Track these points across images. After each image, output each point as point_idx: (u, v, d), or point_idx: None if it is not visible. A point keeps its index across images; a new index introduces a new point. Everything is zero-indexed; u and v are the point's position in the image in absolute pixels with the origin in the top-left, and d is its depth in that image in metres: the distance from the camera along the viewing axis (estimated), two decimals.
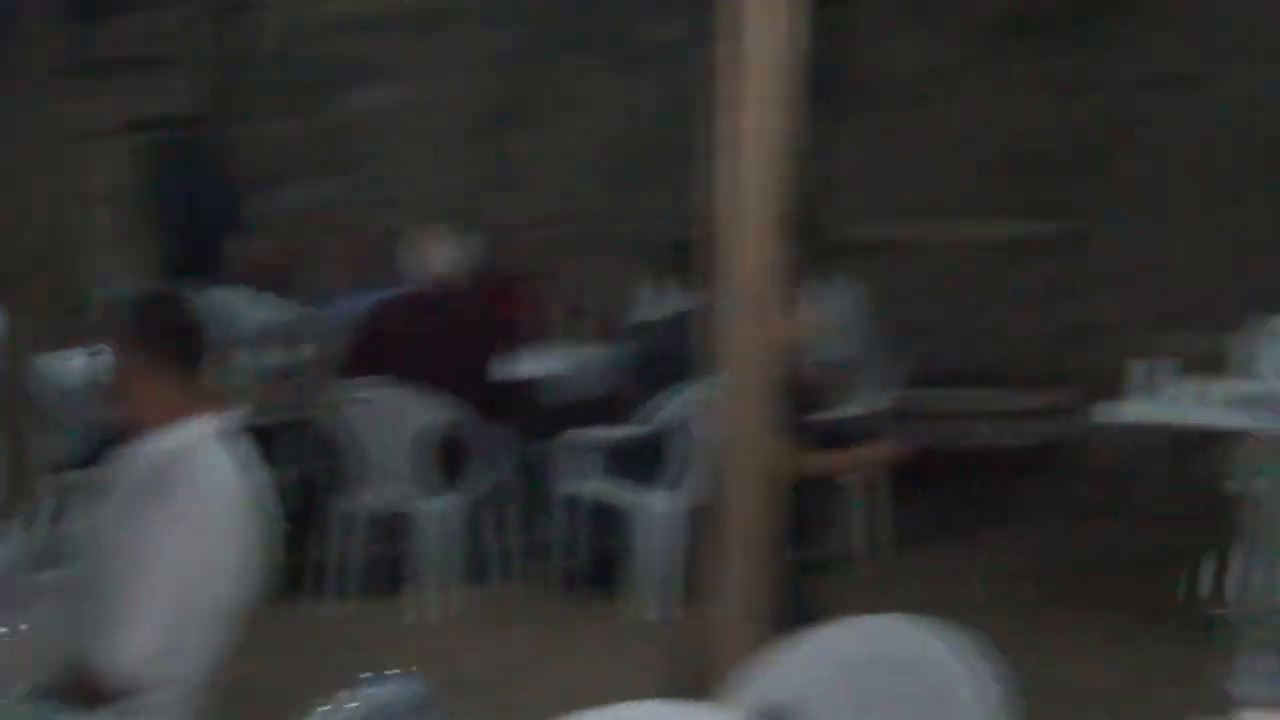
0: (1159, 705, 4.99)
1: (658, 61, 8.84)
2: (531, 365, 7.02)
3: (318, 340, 7.02)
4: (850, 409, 6.84)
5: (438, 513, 6.38)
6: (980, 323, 8.60)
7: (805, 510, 4.62)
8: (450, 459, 6.39)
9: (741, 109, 3.45)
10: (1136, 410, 5.74)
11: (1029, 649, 5.30)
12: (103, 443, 3.65)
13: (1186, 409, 5.62)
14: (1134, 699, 5.13)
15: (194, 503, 3.05)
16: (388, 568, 6.51)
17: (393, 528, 6.54)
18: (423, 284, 6.65)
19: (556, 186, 9.51)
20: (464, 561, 6.49)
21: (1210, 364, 6.59)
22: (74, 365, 6.24)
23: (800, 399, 4.48)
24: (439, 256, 6.61)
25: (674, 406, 6.05)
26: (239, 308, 6.94)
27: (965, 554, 7.09)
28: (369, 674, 2.24)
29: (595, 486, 6.43)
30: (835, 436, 5.43)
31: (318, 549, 6.40)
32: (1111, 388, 6.52)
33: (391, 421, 6.27)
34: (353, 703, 2.18)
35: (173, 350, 3.20)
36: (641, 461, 6.22)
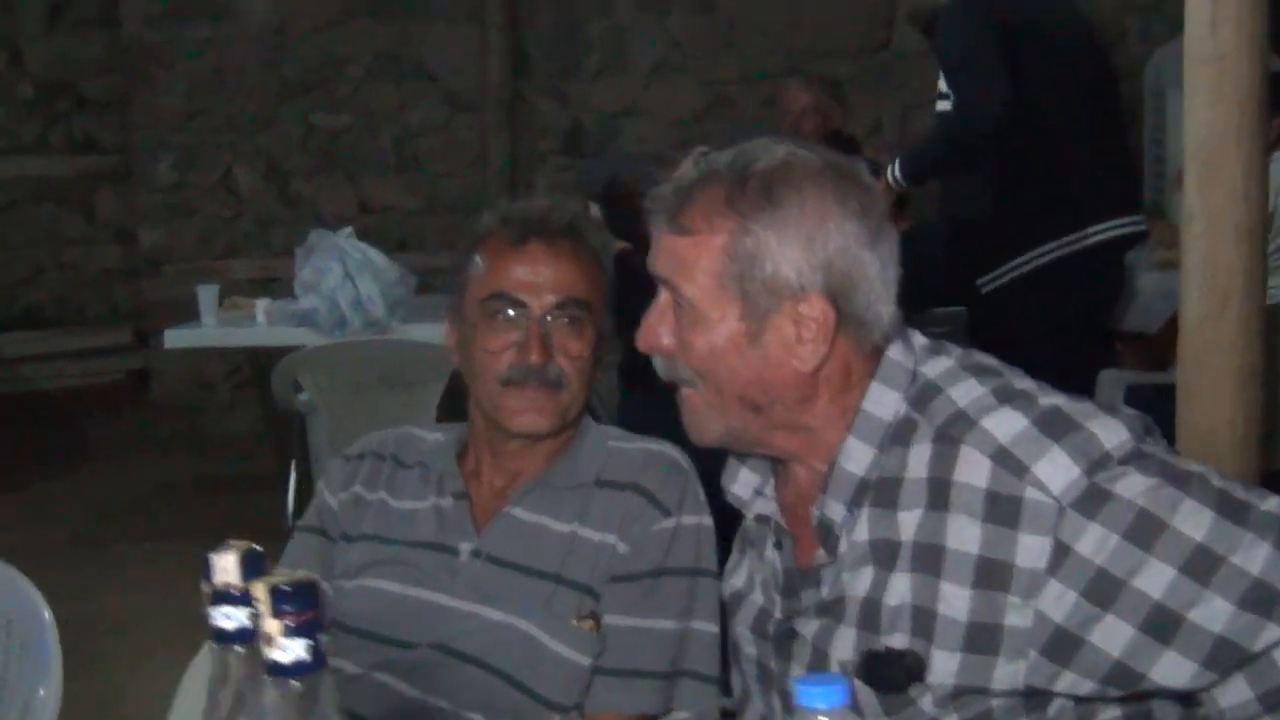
0: None
1: None
2: None
3: None
4: None
5: None
6: (36, 262, 8.40)
7: None
8: None
9: None
10: (198, 337, 5.89)
11: (104, 585, 5.41)
12: None
13: (245, 331, 5.84)
14: None
15: None
16: None
17: None
18: None
19: None
20: None
21: (261, 287, 6.90)
22: None
23: None
24: None
25: None
26: None
27: (37, 498, 6.94)
28: None
29: None
30: None
31: None
32: (173, 318, 6.65)
33: None
34: None
35: None
36: None
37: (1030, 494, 1.56)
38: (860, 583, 1.67)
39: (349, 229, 5.74)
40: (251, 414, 7.93)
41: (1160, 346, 4.64)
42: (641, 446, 2.25)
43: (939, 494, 1.61)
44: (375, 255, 5.54)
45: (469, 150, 7.94)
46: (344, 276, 5.46)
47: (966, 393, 1.66)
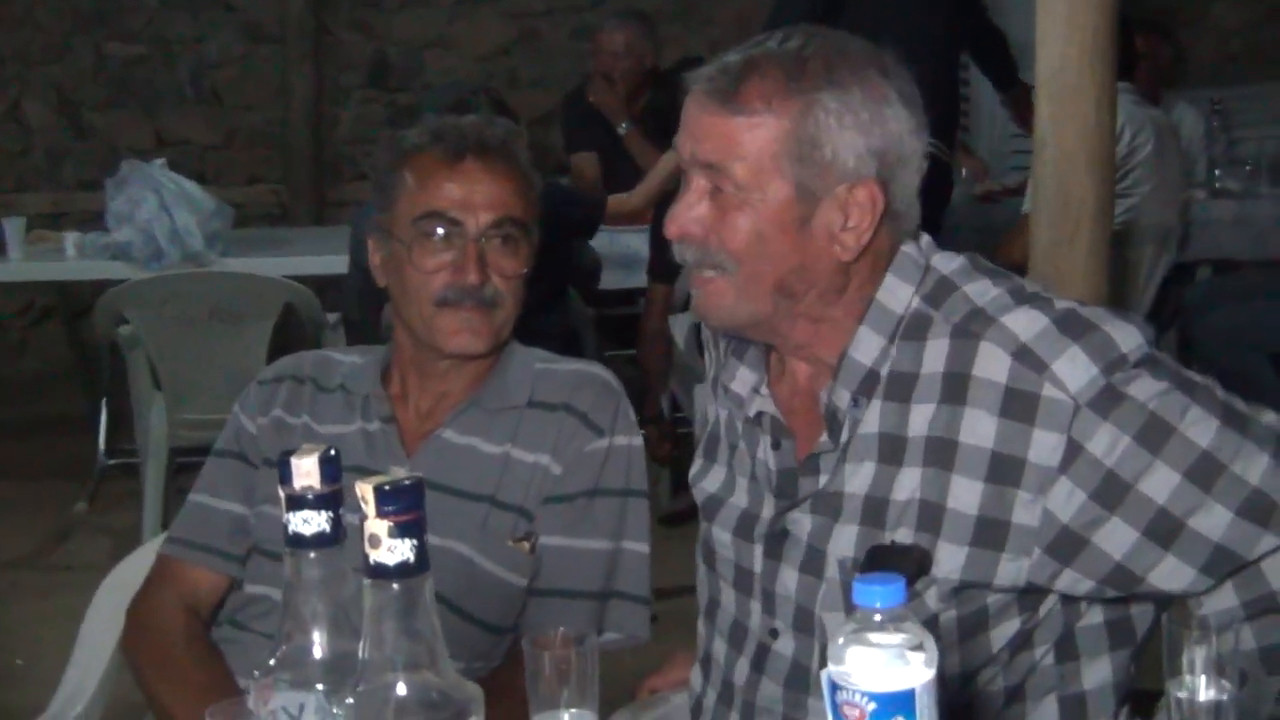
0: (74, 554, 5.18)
1: None
2: None
3: None
4: None
5: None
6: None
7: None
8: None
9: None
10: (5, 271, 5.70)
11: None
12: None
13: (55, 265, 5.66)
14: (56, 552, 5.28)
15: None
16: None
17: None
18: None
19: None
20: None
21: (52, 222, 6.67)
22: None
23: None
24: None
25: None
26: None
27: None
28: None
29: None
30: None
31: None
32: None
33: None
34: None
35: None
36: None
37: (1048, 391, 1.61)
38: (860, 478, 1.70)
39: (162, 160, 5.59)
40: (45, 354, 7.67)
41: None
42: (571, 367, 2.27)
43: (956, 388, 1.65)
44: (191, 187, 5.40)
45: (269, 83, 7.77)
46: (159, 208, 5.31)
47: (983, 291, 1.69)
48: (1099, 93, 3.12)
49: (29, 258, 5.67)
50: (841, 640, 1.27)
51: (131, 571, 2.39)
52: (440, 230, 2.17)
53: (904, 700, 1.25)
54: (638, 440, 2.24)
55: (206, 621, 2.28)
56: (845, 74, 1.66)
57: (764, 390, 1.81)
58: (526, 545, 2.17)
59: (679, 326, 5.15)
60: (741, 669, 1.84)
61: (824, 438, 1.73)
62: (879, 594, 1.26)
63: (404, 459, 2.19)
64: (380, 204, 2.25)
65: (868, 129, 1.66)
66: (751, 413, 1.82)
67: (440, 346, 2.19)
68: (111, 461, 5.88)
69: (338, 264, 5.02)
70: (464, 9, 7.78)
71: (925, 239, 1.78)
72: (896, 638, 1.26)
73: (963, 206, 5.52)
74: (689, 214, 1.71)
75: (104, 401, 5.90)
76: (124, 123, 7.77)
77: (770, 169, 1.66)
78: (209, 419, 4.83)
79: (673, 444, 5.23)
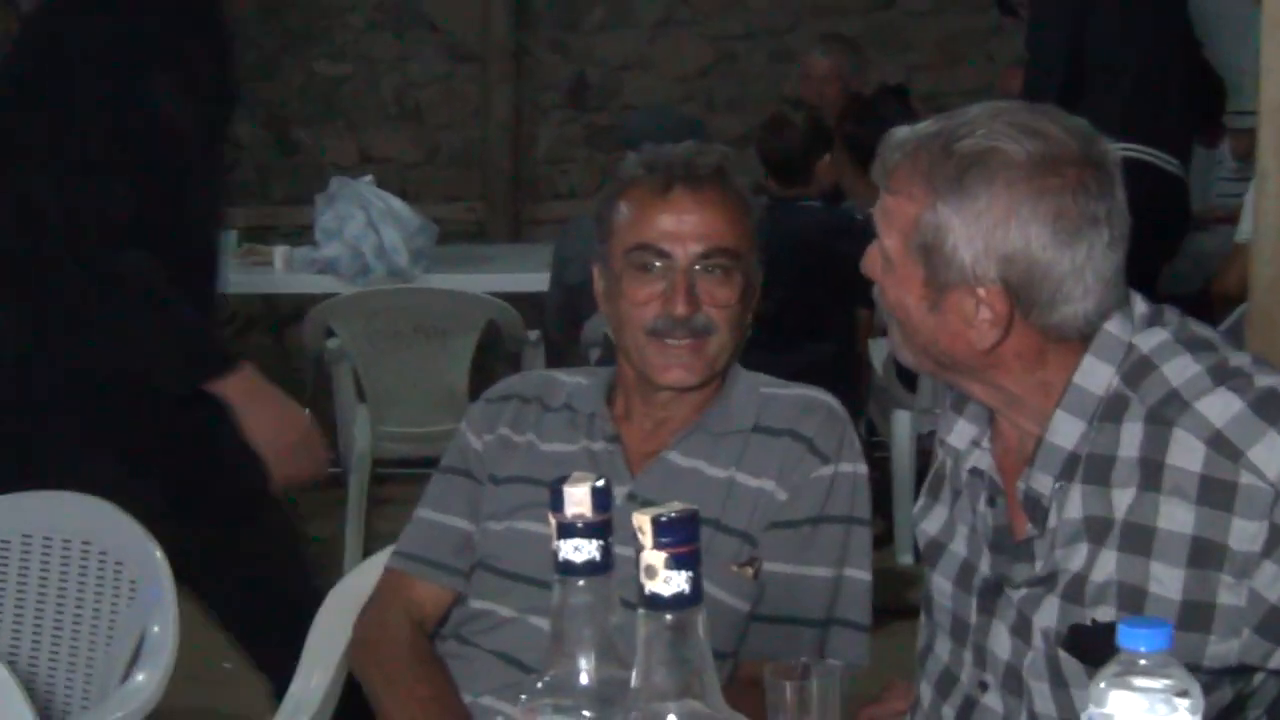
0: None
1: None
2: None
3: None
4: None
5: None
6: None
7: None
8: None
9: None
10: None
11: None
12: None
13: (264, 277, 5.83)
14: None
15: None
16: None
17: None
18: None
19: None
20: None
21: (259, 236, 6.84)
22: None
23: None
24: None
25: None
26: None
27: None
28: None
29: None
30: None
31: None
32: None
33: None
34: None
35: None
36: None
37: (1245, 478, 1.59)
38: (1075, 558, 1.69)
39: (369, 177, 5.72)
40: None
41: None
42: (797, 392, 2.28)
43: (1151, 475, 1.63)
44: (397, 204, 5.52)
45: (470, 102, 7.89)
46: (366, 224, 5.44)
47: (1181, 371, 1.66)
48: None
49: (238, 270, 5.84)
50: (1104, 684, 1.26)
51: (358, 584, 2.45)
52: (652, 262, 2.19)
53: None
54: (862, 467, 2.24)
55: (430, 635, 2.32)
56: (976, 179, 1.66)
57: (985, 444, 1.81)
58: (750, 570, 2.18)
59: (877, 351, 5.12)
60: (946, 719, 1.84)
61: (1029, 526, 1.73)
62: (1144, 637, 1.25)
63: (629, 479, 2.21)
64: (600, 234, 2.29)
65: (989, 236, 1.66)
66: (969, 467, 1.82)
67: (653, 379, 2.21)
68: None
69: (536, 281, 5.09)
70: (663, 31, 7.83)
71: (1139, 308, 1.74)
72: (1161, 683, 1.25)
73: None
74: (869, 258, 1.79)
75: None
76: (330, 140, 7.95)
77: (903, 248, 1.72)
78: (411, 432, 4.95)
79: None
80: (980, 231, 1.66)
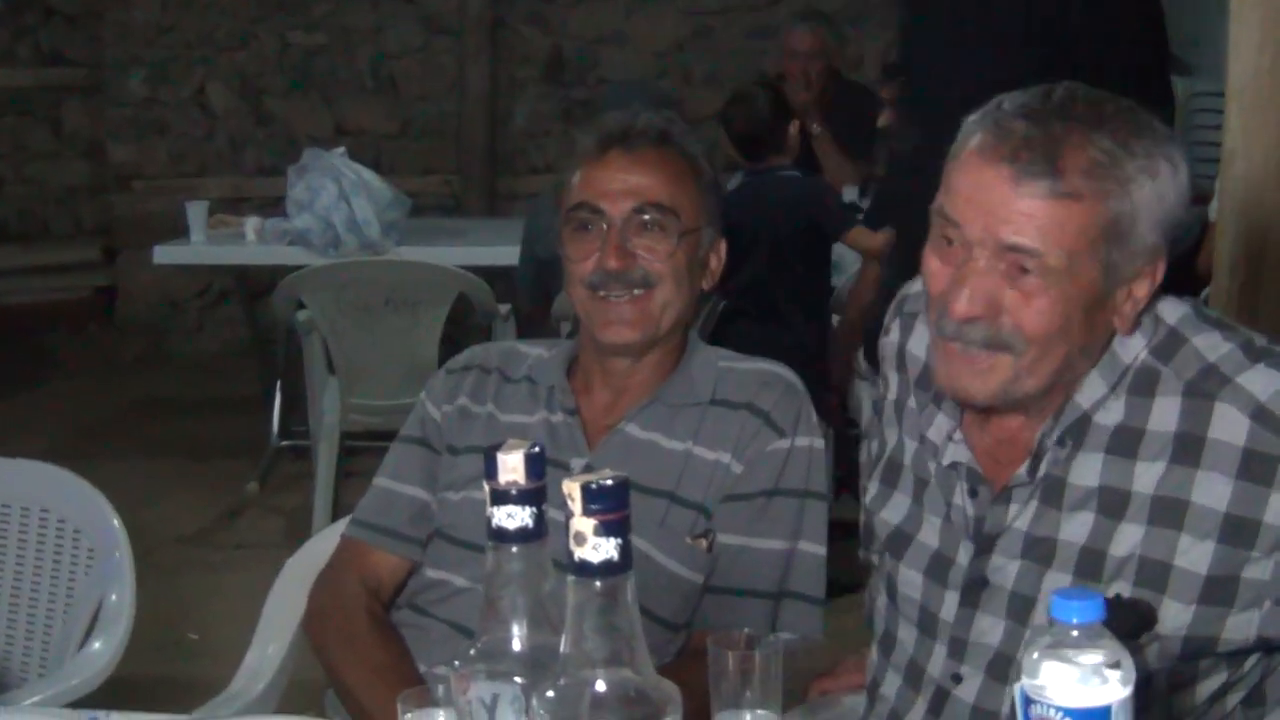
0: (246, 532, 5.31)
1: None
2: None
3: None
4: None
5: None
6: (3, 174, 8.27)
7: None
8: None
9: None
10: (188, 253, 5.85)
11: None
12: None
13: (235, 249, 5.80)
14: (227, 530, 5.41)
15: None
16: None
17: None
18: None
19: None
20: None
21: (232, 207, 6.83)
22: None
23: None
24: None
25: None
26: None
27: (6, 411, 6.83)
28: None
29: None
30: None
31: None
32: (144, 235, 6.58)
33: None
34: None
35: None
36: None
37: None
38: (1077, 527, 1.68)
39: (342, 149, 5.70)
40: (220, 335, 7.87)
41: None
42: (755, 366, 2.28)
43: (1188, 449, 1.62)
44: (369, 176, 5.51)
45: (446, 75, 7.87)
46: (338, 196, 5.42)
47: (1214, 346, 1.65)
48: None
49: (210, 241, 5.83)
50: (1037, 655, 1.26)
51: (314, 553, 2.44)
52: (586, 220, 2.21)
53: (1099, 717, 1.24)
54: (819, 442, 2.24)
55: (386, 604, 2.32)
56: (1150, 145, 1.60)
57: (957, 437, 1.78)
58: (704, 542, 2.18)
59: None
60: (918, 710, 1.83)
61: (1021, 471, 1.72)
62: (1076, 609, 1.25)
63: (586, 451, 2.21)
64: (557, 205, 2.31)
65: (1162, 202, 1.61)
66: (946, 461, 1.80)
67: (598, 339, 2.22)
68: (284, 443, 6.01)
69: (509, 255, 5.08)
70: (640, 5, 7.82)
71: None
72: (1095, 655, 1.25)
73: None
74: (983, 298, 1.62)
75: (278, 384, 6.03)
76: (304, 110, 7.94)
77: (1085, 252, 1.59)
78: (381, 404, 4.94)
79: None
80: (1155, 199, 1.59)
